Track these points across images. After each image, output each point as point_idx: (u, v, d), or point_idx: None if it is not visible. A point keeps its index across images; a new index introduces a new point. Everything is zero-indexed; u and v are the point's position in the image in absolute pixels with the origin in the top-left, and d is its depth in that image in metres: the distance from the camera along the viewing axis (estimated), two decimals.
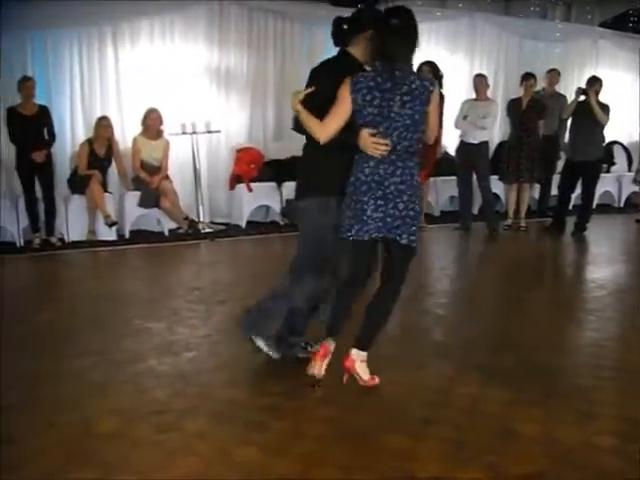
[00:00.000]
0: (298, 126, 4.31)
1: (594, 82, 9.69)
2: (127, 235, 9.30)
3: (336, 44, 4.44)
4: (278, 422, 3.79)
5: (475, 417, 3.93)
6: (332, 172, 4.23)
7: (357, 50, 4.31)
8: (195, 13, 9.76)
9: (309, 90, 4.12)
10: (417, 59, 10.06)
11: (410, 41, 4.00)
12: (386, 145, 3.93)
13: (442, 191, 10.89)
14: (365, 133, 3.97)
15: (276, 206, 10.21)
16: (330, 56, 4.51)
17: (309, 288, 4.47)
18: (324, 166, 4.27)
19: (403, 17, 3.97)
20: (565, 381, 4.55)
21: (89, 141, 9.07)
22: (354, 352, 4.17)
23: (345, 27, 4.35)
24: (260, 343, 4.60)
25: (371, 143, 3.95)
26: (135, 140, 9.34)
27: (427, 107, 3.96)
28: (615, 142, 12.79)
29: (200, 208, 9.77)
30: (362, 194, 4.02)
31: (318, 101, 4.07)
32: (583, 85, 9.79)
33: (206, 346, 5.02)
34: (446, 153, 10.30)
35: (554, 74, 10.95)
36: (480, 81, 10.04)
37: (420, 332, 5.51)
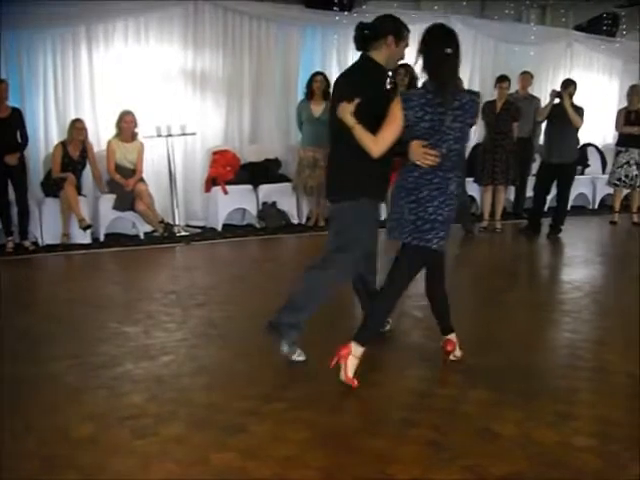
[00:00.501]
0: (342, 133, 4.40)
1: (568, 85, 9.74)
2: (102, 238, 9.21)
3: (358, 48, 4.68)
4: (257, 426, 3.77)
5: (455, 418, 3.95)
6: (376, 175, 4.51)
7: (378, 54, 4.58)
8: (169, 14, 9.70)
9: (357, 101, 4.26)
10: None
11: (459, 63, 4.21)
12: (435, 156, 4.10)
13: None
14: (416, 144, 4.14)
15: (252, 209, 10.17)
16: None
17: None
18: (371, 169, 4.42)
19: (453, 43, 4.15)
20: (543, 382, 4.57)
21: (63, 143, 8.97)
22: (354, 345, 4.24)
23: (367, 32, 4.59)
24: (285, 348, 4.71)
25: (422, 153, 4.12)
26: (109, 143, 9.25)
27: (475, 119, 4.25)
28: (589, 144, 12.87)
29: (176, 211, 9.71)
30: (400, 199, 4.25)
31: (361, 110, 4.26)
32: (557, 88, 9.86)
33: (183, 350, 4.98)
34: None
35: (527, 76, 11.00)
36: None
37: (399, 335, 5.51)
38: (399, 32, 4.61)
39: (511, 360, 4.90)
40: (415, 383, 4.49)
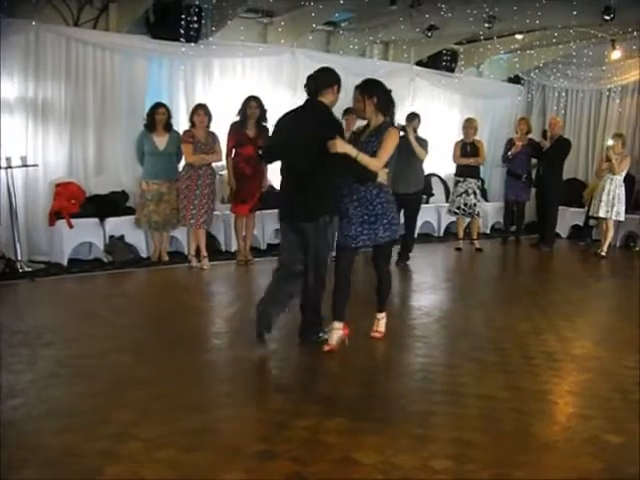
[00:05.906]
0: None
1: (412, 119, 10.12)
2: None
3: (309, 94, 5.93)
4: (114, 467, 3.67)
5: (315, 448, 3.97)
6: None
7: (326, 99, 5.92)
8: (9, 41, 9.31)
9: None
10: (244, 93, 10.01)
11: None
12: None
13: (268, 224, 10.92)
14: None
15: (99, 243, 9.87)
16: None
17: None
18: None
19: None
20: (400, 407, 4.68)
21: None
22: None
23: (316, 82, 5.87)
24: None
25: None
26: None
27: None
28: (433, 174, 13.35)
29: (17, 246, 9.28)
30: None
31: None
32: (402, 120, 10.17)
33: (33, 392, 4.76)
34: (271, 187, 10.35)
35: None
36: None
37: (254, 366, 5.50)
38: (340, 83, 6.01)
39: (367, 388, 4.99)
40: (273, 415, 4.48)
